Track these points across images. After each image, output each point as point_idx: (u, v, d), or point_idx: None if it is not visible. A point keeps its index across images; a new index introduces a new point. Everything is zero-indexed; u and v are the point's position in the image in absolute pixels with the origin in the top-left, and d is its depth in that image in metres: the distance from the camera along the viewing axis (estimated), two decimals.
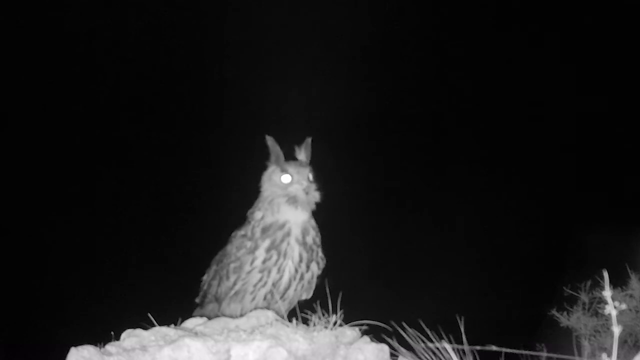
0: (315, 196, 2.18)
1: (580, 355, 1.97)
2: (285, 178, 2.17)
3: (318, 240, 2.21)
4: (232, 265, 2.20)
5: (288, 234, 2.16)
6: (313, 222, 2.20)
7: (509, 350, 1.75)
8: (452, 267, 3.89)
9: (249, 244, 2.17)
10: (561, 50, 4.42)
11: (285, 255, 2.16)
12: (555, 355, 1.85)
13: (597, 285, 2.55)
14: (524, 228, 4.09)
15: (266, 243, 2.16)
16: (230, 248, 2.23)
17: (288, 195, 2.15)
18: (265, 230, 2.17)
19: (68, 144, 4.06)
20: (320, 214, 2.22)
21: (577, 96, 4.33)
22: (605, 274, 1.52)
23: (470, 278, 3.72)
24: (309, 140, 2.23)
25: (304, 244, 2.17)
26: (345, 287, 1.95)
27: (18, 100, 3.98)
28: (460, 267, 3.88)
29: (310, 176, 2.18)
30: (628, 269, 2.66)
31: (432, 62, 4.45)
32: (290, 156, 2.25)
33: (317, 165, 2.27)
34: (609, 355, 1.49)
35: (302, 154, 2.23)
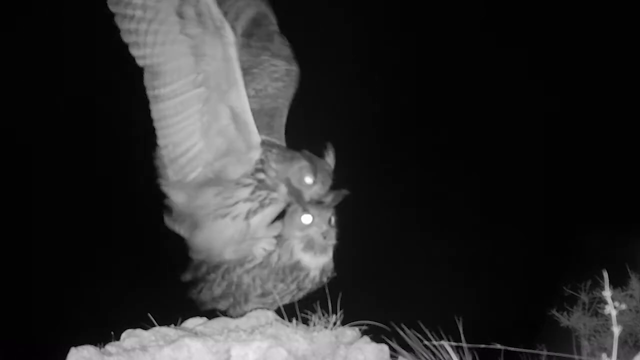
0: (333, 240, 2.09)
1: (580, 355, 1.97)
2: (306, 219, 2.06)
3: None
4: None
5: (307, 275, 2.10)
6: (331, 264, 2.13)
7: (511, 349, 1.75)
8: (452, 267, 3.89)
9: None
10: (561, 50, 4.43)
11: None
12: (555, 355, 1.85)
13: (597, 285, 2.55)
14: (524, 228, 4.08)
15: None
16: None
17: (306, 238, 2.06)
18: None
19: (67, 143, 4.06)
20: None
21: (577, 95, 4.33)
22: (605, 274, 1.52)
23: (470, 278, 3.72)
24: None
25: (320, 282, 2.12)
26: (345, 287, 1.95)
27: (17, 101, 3.98)
28: (460, 266, 3.88)
29: (333, 219, 2.08)
30: (628, 269, 2.67)
31: (434, 62, 4.45)
32: None
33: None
34: (609, 355, 1.49)
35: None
